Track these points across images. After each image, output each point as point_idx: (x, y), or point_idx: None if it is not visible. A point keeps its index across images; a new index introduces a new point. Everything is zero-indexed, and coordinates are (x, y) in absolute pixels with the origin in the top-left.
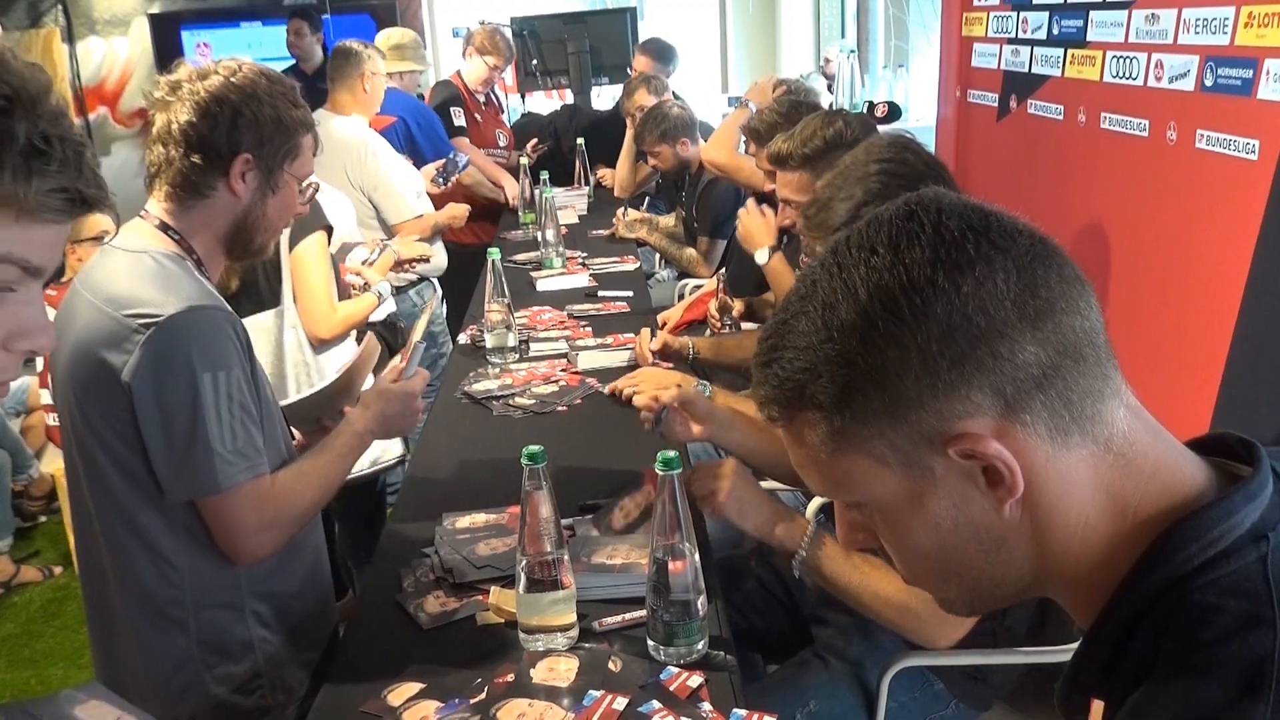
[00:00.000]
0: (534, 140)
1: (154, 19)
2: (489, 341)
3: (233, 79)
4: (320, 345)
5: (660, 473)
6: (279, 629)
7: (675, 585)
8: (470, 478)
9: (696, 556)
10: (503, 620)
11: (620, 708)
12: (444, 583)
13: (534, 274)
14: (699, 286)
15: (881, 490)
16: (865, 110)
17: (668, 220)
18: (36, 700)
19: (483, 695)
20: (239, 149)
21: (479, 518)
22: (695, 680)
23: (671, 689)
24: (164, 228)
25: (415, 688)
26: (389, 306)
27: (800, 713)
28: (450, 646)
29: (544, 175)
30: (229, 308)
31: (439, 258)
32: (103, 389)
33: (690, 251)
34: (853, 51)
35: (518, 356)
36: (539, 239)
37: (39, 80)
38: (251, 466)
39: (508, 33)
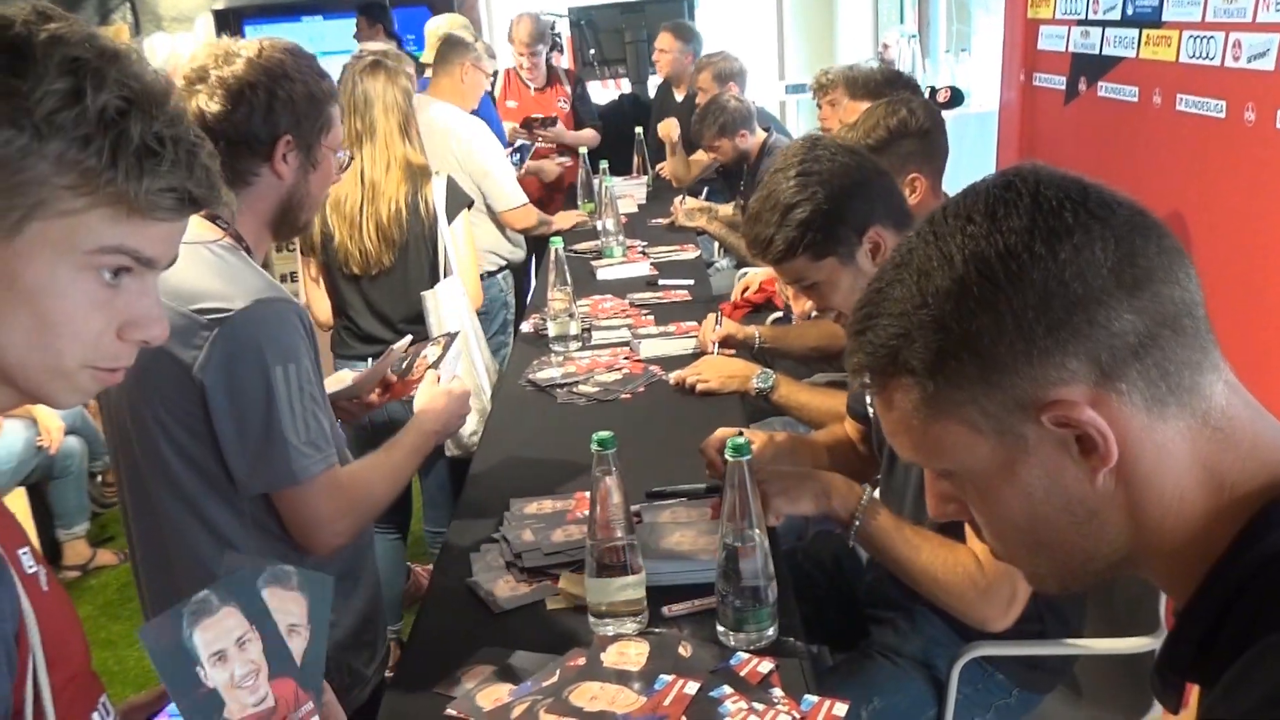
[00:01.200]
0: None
1: (218, 14)
2: (552, 330)
3: (259, 60)
4: None
5: (730, 459)
6: (347, 611)
7: (745, 571)
8: (536, 464)
9: (766, 543)
10: (572, 605)
11: (692, 692)
12: (514, 567)
13: (594, 263)
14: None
15: (973, 458)
16: (927, 96)
17: (726, 209)
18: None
19: (555, 678)
20: (278, 131)
21: (546, 503)
22: (766, 666)
23: (742, 674)
24: (211, 217)
25: (488, 670)
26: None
27: (865, 709)
28: (521, 630)
29: (603, 164)
30: (291, 297)
31: (519, 248)
32: (172, 385)
33: None
34: (913, 36)
35: (580, 345)
36: (599, 228)
37: (159, 83)
38: (325, 457)
39: (537, 21)
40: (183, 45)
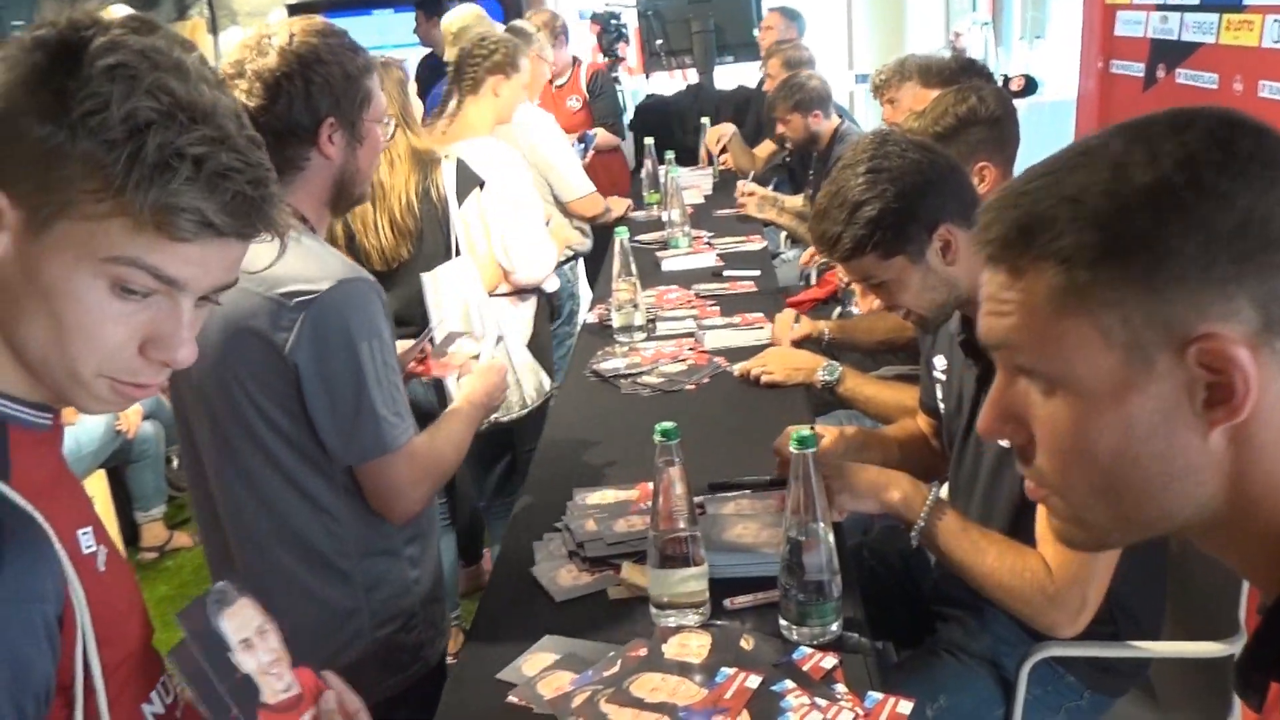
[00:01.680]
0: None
1: (291, 9)
2: (616, 320)
3: (291, 48)
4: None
5: (794, 451)
6: (426, 568)
7: (809, 565)
8: (600, 455)
9: (831, 537)
10: (634, 595)
11: (753, 686)
12: (576, 557)
13: (659, 254)
14: (827, 266)
15: (1088, 368)
16: (1000, 84)
17: (795, 200)
18: (186, 610)
19: (616, 669)
20: (320, 115)
21: (610, 494)
22: (829, 661)
23: (805, 669)
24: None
25: (549, 658)
26: (553, 282)
27: (930, 707)
28: (583, 619)
29: (669, 155)
30: (368, 275)
31: (587, 237)
32: (265, 367)
33: None
34: (986, 24)
35: (645, 335)
36: (664, 219)
37: (204, 100)
38: (408, 427)
39: (555, 17)
40: None
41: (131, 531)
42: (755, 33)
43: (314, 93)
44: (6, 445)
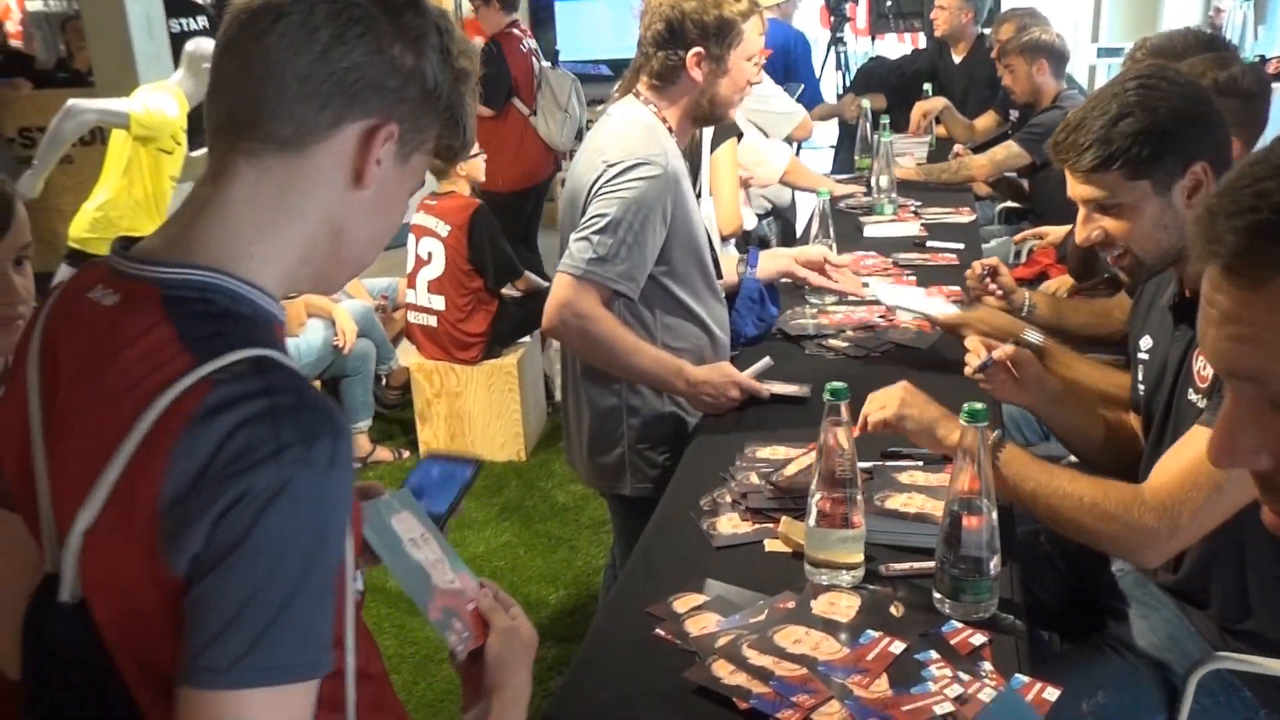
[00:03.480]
0: None
1: None
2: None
3: None
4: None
5: (964, 424)
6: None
7: (967, 541)
8: (774, 411)
9: (994, 515)
10: (790, 550)
11: (896, 652)
12: (738, 506)
13: (863, 219)
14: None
15: None
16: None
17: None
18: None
19: (762, 616)
20: (689, 45)
21: (780, 450)
22: (979, 639)
23: (953, 643)
24: (646, 102)
25: (699, 599)
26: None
27: (1087, 702)
28: (737, 567)
29: (884, 120)
30: (680, 171)
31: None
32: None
33: None
34: (1247, 0)
35: (837, 299)
36: (872, 184)
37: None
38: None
39: None
40: None
41: None
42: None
43: (688, 27)
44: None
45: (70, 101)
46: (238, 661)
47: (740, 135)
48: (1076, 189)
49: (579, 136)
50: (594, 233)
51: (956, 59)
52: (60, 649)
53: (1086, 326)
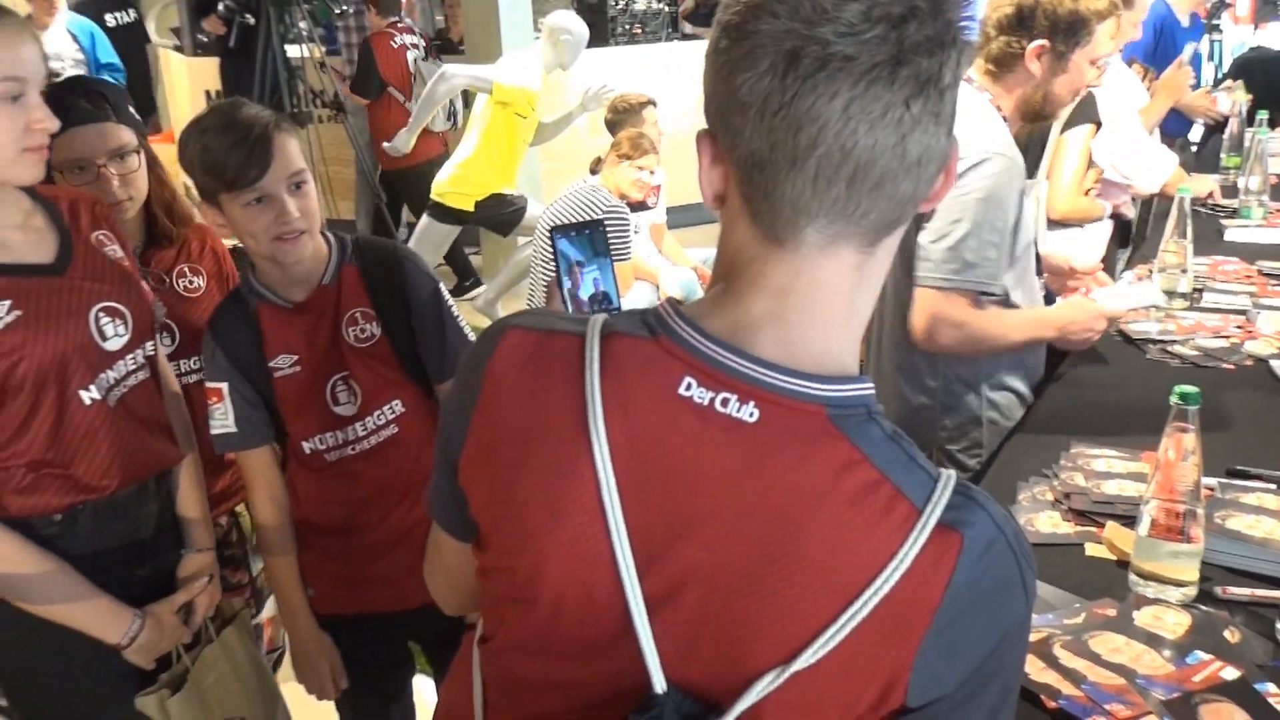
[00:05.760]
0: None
1: None
2: (1159, 283)
3: None
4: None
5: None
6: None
7: None
8: (1107, 413)
9: None
10: (1114, 557)
11: (1229, 678)
12: (1060, 505)
13: (1224, 221)
14: None
15: None
16: None
17: None
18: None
19: (1079, 620)
20: (1034, 35)
21: (1109, 453)
22: None
23: None
24: (981, 89)
25: None
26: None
27: None
28: (1054, 567)
29: (1260, 115)
30: (1022, 162)
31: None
32: None
33: None
34: None
35: (1188, 304)
36: (1240, 186)
37: None
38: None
39: None
40: None
41: None
42: None
43: (1037, 15)
44: None
45: (445, 67)
46: None
47: (1099, 125)
48: None
49: (450, 117)
50: (955, 240)
51: None
52: None
53: None
